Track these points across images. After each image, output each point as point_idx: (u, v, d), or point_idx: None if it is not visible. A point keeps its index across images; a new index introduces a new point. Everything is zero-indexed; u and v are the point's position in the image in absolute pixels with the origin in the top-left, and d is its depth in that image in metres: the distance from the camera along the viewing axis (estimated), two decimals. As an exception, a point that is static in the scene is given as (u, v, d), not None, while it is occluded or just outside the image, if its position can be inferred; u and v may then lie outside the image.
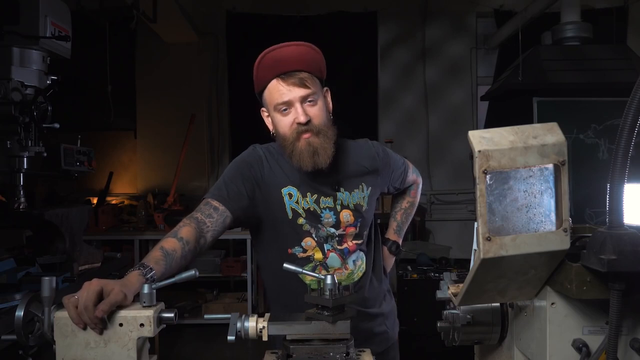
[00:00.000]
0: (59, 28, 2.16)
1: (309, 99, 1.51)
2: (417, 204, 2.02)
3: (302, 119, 1.49)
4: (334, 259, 1.64)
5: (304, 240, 1.61)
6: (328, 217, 1.62)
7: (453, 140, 5.85)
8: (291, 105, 1.51)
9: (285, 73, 1.50)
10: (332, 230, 1.63)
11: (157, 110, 5.84)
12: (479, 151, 0.86)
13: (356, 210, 1.65)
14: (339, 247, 1.64)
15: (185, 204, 5.46)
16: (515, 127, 0.89)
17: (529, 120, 4.01)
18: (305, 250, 1.62)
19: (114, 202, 5.62)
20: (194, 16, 5.50)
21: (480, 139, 0.87)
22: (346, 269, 1.65)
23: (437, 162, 5.92)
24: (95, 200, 5.20)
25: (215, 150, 5.95)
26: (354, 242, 1.66)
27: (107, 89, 4.42)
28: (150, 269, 1.26)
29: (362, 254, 1.69)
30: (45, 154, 2.18)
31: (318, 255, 1.62)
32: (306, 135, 1.51)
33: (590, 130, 4.12)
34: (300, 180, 1.60)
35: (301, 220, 1.60)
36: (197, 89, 5.87)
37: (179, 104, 5.74)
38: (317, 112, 1.53)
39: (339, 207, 1.63)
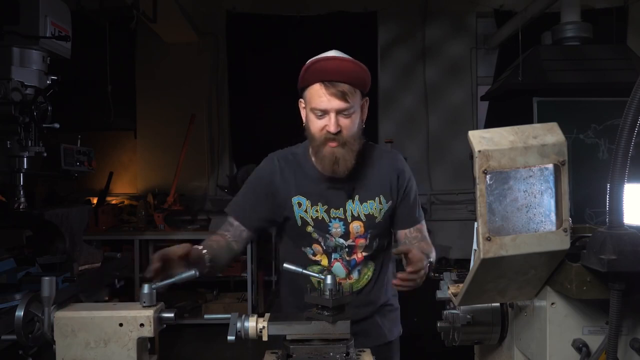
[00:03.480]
0: (59, 28, 2.16)
1: (345, 112, 1.55)
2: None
3: (333, 129, 1.54)
4: (338, 268, 1.67)
5: (313, 245, 1.67)
6: (337, 227, 1.64)
7: (453, 140, 5.84)
8: (327, 113, 1.55)
9: (329, 81, 1.54)
10: (341, 240, 1.65)
11: (157, 110, 5.84)
12: (479, 151, 0.86)
13: (368, 221, 1.65)
14: (347, 258, 1.67)
15: (185, 204, 5.46)
16: (515, 127, 0.89)
17: (529, 120, 4.01)
18: (315, 254, 1.68)
19: (114, 202, 5.61)
20: (194, 16, 5.49)
21: (480, 139, 0.87)
22: (349, 279, 1.68)
23: (437, 162, 5.92)
24: (95, 200, 5.19)
25: (215, 150, 5.95)
26: (363, 253, 1.68)
27: (107, 89, 4.41)
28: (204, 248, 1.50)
29: (369, 263, 1.71)
30: (45, 154, 2.18)
31: (325, 261, 1.67)
32: (332, 144, 1.56)
33: (590, 130, 4.12)
34: (313, 189, 1.65)
35: (309, 229, 1.65)
36: (197, 89, 5.87)
37: (179, 104, 5.74)
38: (349, 124, 1.57)
39: (349, 218, 1.65)
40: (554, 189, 0.89)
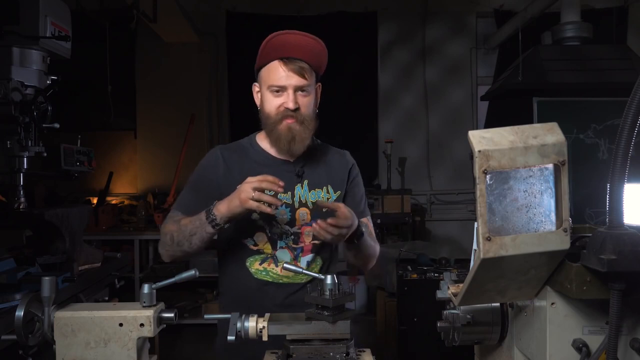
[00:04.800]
0: (59, 28, 2.16)
1: (303, 89, 1.56)
2: (371, 255, 1.71)
3: (291, 105, 1.54)
4: (284, 253, 1.63)
5: (255, 235, 1.62)
6: (283, 214, 1.61)
7: (453, 140, 5.85)
8: (285, 90, 1.55)
9: (288, 58, 1.54)
10: (287, 227, 1.62)
11: (157, 110, 5.84)
12: (479, 151, 0.86)
13: (315, 209, 1.63)
14: (294, 246, 1.64)
15: (185, 203, 5.45)
16: (515, 127, 0.89)
17: (529, 120, 4.01)
18: (256, 244, 1.63)
19: (114, 202, 5.61)
20: (194, 16, 5.50)
21: (480, 139, 0.87)
22: (296, 265, 1.61)
23: (437, 162, 5.92)
24: (95, 200, 5.20)
25: (215, 150, 5.95)
26: (312, 242, 1.64)
27: (107, 89, 4.42)
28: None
29: (317, 258, 1.67)
30: (45, 154, 2.17)
31: (268, 249, 1.63)
32: (290, 121, 1.56)
33: (590, 130, 4.12)
34: (260, 174, 1.53)
35: (255, 215, 1.60)
36: (197, 88, 5.87)
37: (179, 104, 5.74)
38: (307, 102, 1.57)
39: (296, 204, 1.63)
40: (554, 189, 0.89)
